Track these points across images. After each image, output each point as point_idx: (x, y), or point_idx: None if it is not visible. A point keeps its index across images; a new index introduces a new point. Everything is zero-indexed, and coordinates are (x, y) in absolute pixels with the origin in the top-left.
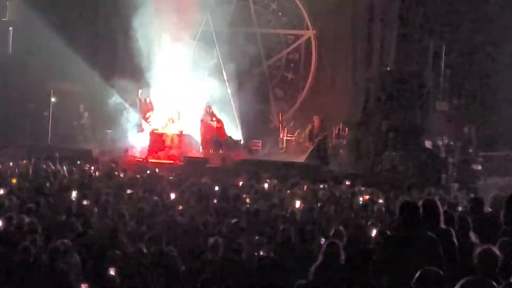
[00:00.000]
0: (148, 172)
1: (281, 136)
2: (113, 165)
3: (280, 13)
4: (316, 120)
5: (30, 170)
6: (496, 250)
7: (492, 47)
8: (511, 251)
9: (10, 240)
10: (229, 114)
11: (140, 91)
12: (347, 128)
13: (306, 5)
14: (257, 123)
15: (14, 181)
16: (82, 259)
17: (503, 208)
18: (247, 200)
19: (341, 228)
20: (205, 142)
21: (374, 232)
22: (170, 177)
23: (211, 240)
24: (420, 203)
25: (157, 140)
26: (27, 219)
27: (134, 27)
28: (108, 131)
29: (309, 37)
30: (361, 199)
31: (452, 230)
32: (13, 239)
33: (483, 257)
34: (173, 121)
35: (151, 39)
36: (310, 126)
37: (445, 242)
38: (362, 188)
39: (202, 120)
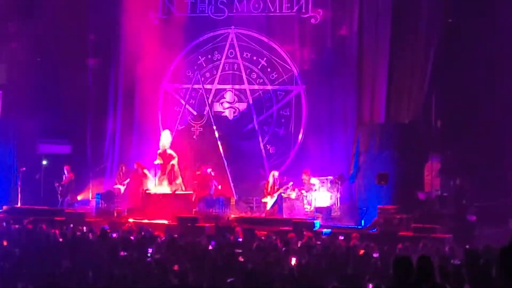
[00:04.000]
0: (142, 233)
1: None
2: (106, 226)
3: (269, 69)
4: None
5: (24, 234)
6: None
7: (483, 99)
8: None
9: None
10: (222, 171)
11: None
12: (340, 182)
13: (295, 60)
14: (249, 180)
15: (5, 243)
16: None
17: (495, 262)
18: (242, 258)
19: (337, 284)
20: (198, 201)
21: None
22: (163, 237)
23: None
24: (414, 259)
25: (149, 201)
26: (20, 285)
27: (122, 85)
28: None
29: (299, 92)
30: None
31: (446, 285)
32: None
33: None
34: (166, 181)
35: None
36: (268, 182)
37: None
38: (357, 242)
39: (197, 178)
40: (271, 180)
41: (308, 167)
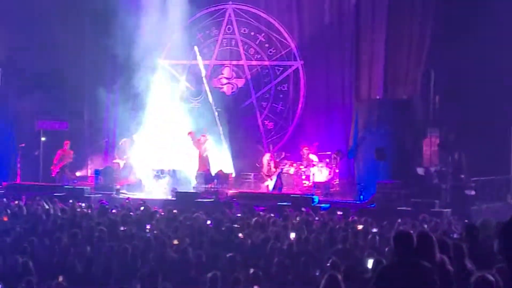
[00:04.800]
0: (141, 208)
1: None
2: (105, 202)
3: (267, 45)
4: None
5: (23, 210)
6: (491, 276)
7: (481, 74)
8: (507, 277)
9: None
10: (220, 147)
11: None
12: (338, 157)
13: (293, 35)
14: (248, 155)
15: (5, 219)
16: None
17: (495, 237)
18: (241, 234)
19: (336, 259)
20: (196, 176)
21: (370, 263)
22: (162, 213)
23: (209, 275)
24: (414, 235)
25: None
26: (20, 260)
27: (122, 63)
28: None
29: (297, 68)
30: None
31: (446, 259)
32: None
33: (479, 284)
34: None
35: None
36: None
37: (441, 271)
38: (355, 218)
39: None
40: (265, 163)
41: (307, 143)
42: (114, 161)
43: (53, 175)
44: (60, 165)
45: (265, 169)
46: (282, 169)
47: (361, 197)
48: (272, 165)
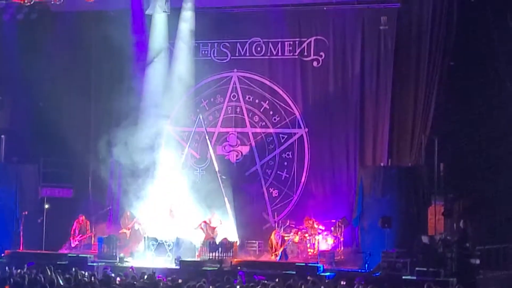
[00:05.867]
0: (145, 277)
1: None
2: (109, 271)
3: (271, 112)
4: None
5: (26, 280)
6: None
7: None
8: None
9: None
10: (225, 215)
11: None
12: (343, 225)
13: (297, 103)
14: (253, 223)
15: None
16: None
17: None
18: None
19: None
20: (201, 246)
21: None
22: (168, 282)
23: None
24: None
25: None
26: None
27: (127, 128)
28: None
29: (301, 135)
30: None
31: None
32: None
33: None
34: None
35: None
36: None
37: None
38: (360, 287)
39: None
40: (273, 239)
41: (310, 214)
42: (121, 231)
43: (72, 246)
44: (80, 238)
45: (273, 246)
46: (287, 245)
47: (366, 265)
48: (280, 241)
